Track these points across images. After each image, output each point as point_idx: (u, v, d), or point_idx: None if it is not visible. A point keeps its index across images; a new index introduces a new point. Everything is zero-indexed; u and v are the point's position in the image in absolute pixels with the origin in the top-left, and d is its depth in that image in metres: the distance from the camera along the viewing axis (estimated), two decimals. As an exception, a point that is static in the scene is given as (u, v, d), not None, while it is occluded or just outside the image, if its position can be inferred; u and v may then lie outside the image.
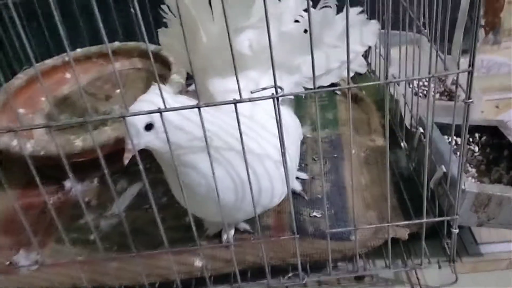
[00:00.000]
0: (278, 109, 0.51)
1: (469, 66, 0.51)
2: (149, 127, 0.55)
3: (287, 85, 0.71)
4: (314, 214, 0.77)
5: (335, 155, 0.89)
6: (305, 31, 0.68)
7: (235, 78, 0.49)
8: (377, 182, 0.82)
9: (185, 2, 0.66)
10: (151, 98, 0.55)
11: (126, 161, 0.56)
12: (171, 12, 0.71)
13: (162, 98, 0.50)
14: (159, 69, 1.07)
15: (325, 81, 0.74)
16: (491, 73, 1.18)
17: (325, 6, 0.69)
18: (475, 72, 1.23)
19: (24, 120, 1.02)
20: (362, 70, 0.76)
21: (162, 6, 0.72)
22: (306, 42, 0.47)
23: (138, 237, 0.77)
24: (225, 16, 0.46)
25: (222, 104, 0.51)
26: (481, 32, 1.26)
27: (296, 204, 0.79)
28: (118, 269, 0.71)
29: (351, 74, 0.74)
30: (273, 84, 0.50)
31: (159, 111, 0.51)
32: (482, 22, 1.25)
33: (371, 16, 0.90)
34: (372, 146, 0.90)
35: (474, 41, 0.49)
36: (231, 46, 0.47)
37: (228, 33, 0.47)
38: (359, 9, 0.72)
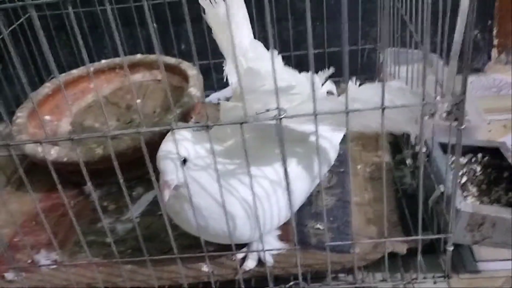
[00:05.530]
0: (281, 129, 0.55)
1: (462, 93, 0.54)
2: (185, 161, 0.62)
3: None
4: (318, 226, 0.80)
5: (342, 170, 0.92)
6: None
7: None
8: (380, 198, 0.85)
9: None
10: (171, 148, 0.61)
11: (166, 197, 0.62)
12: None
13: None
14: (178, 82, 1.12)
15: None
16: (502, 93, 1.20)
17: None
18: (486, 91, 1.25)
19: (50, 127, 1.08)
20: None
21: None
22: None
23: (151, 242, 0.82)
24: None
25: (228, 125, 0.55)
26: (494, 52, 1.28)
27: (302, 216, 0.82)
28: (131, 271, 0.76)
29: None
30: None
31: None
32: (495, 42, 1.27)
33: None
34: (377, 162, 0.93)
35: (466, 72, 0.53)
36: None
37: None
38: None
